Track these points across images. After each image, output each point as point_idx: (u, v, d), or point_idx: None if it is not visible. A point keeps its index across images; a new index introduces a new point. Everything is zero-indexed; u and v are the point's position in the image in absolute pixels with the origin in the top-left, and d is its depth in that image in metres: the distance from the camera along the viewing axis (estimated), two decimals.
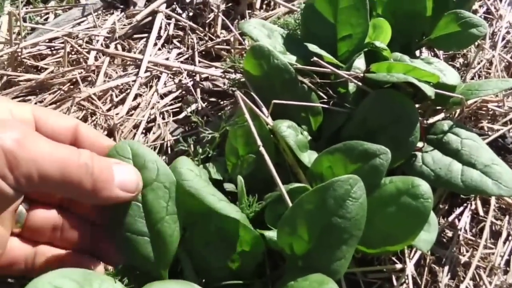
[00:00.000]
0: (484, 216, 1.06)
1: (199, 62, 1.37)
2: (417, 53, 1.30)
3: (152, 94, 1.27)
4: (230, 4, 1.55)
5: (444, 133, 1.02)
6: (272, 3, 1.57)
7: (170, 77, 1.33)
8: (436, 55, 1.40)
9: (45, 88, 1.30)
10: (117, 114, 1.21)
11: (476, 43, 1.38)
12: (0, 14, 1.54)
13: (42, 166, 0.62)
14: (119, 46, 1.44)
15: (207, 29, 1.47)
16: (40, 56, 1.42)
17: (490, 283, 0.96)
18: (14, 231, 0.74)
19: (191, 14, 1.51)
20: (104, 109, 1.23)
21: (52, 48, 1.43)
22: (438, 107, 1.11)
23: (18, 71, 1.36)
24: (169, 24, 1.48)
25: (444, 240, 1.03)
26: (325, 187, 0.74)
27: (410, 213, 0.82)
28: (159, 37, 1.45)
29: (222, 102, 1.25)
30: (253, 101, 0.98)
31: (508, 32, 1.47)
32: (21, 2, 1.47)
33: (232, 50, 1.39)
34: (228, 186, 0.93)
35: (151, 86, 1.30)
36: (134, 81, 1.30)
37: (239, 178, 0.87)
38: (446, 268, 0.98)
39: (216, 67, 1.34)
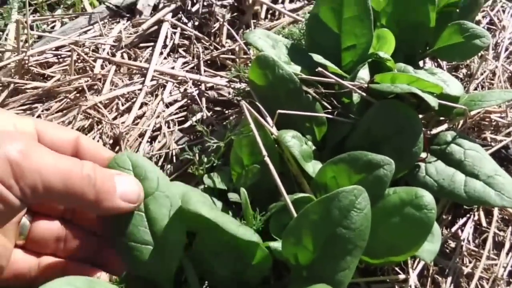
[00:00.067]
0: (487, 227, 1.06)
1: (205, 71, 1.38)
2: (421, 63, 1.31)
3: (158, 103, 1.28)
4: (235, 14, 1.56)
5: (448, 144, 1.02)
6: (277, 13, 1.59)
7: (175, 86, 1.34)
8: (439, 66, 1.40)
9: (51, 96, 1.32)
10: (123, 122, 1.22)
11: (479, 54, 1.38)
12: (7, 22, 1.55)
13: (46, 177, 0.63)
14: (125, 55, 1.45)
15: (212, 38, 1.48)
16: (47, 64, 1.43)
17: None
18: (17, 243, 0.74)
19: (196, 23, 1.53)
20: (110, 117, 1.24)
21: (59, 56, 1.44)
22: (441, 118, 1.12)
23: (25, 79, 1.37)
24: (175, 33, 1.50)
25: (447, 250, 1.04)
26: (330, 198, 0.75)
27: (414, 223, 0.82)
28: (165, 46, 1.46)
29: (227, 111, 1.26)
30: (258, 111, 0.99)
31: (511, 43, 1.48)
32: (29, 10, 1.48)
33: (237, 60, 1.40)
34: (232, 197, 0.93)
35: (156, 95, 1.31)
36: (140, 89, 1.31)
37: (243, 191, 0.87)
38: (449, 279, 0.98)
39: (221, 77, 1.35)
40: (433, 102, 0.95)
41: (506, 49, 1.45)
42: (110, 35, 1.50)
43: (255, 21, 1.55)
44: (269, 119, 0.99)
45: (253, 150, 0.94)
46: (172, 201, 0.77)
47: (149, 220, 0.77)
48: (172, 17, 1.54)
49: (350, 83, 1.03)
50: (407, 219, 0.82)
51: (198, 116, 1.24)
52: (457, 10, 1.28)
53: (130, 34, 1.50)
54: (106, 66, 1.40)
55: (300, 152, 0.94)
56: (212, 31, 1.50)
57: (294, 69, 1.07)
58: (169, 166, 1.14)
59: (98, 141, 1.20)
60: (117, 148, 1.18)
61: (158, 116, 1.24)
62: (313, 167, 0.95)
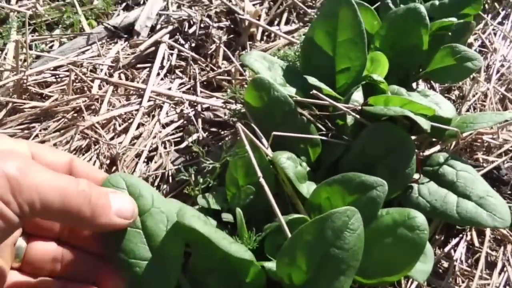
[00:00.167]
0: (480, 247, 1.08)
1: (201, 92, 1.39)
2: (414, 85, 1.33)
3: (155, 124, 1.29)
4: (231, 36, 1.58)
5: (440, 165, 1.04)
6: (272, 35, 1.61)
7: (172, 106, 1.35)
8: (432, 87, 1.43)
9: (49, 115, 1.33)
10: (120, 143, 1.23)
11: (472, 76, 1.41)
12: (6, 42, 1.57)
13: (44, 193, 0.63)
14: (122, 75, 1.47)
15: (208, 59, 1.50)
16: (45, 84, 1.44)
17: None
18: (13, 266, 0.74)
19: (193, 45, 1.55)
20: (107, 138, 1.25)
21: (57, 76, 1.46)
22: (434, 139, 1.14)
23: (23, 98, 1.38)
24: (171, 54, 1.52)
25: (440, 270, 1.05)
26: (324, 219, 0.76)
27: (407, 244, 0.83)
28: (162, 67, 1.48)
29: (222, 132, 1.28)
30: (253, 132, 1.00)
31: (502, 65, 1.51)
32: (28, 29, 1.50)
33: (233, 81, 1.42)
34: (226, 217, 0.94)
35: (153, 116, 1.33)
36: (137, 110, 1.33)
37: (238, 211, 0.88)
38: None
39: (217, 98, 1.37)
40: (426, 125, 0.97)
41: (498, 71, 1.48)
42: (108, 55, 1.52)
43: (251, 42, 1.57)
44: (264, 140, 1.00)
45: (248, 171, 0.95)
46: (168, 216, 0.78)
47: (147, 236, 0.78)
48: (169, 38, 1.56)
49: (344, 105, 1.05)
50: (400, 239, 0.84)
51: (194, 136, 1.25)
52: (449, 34, 1.31)
53: (128, 54, 1.52)
54: (103, 86, 1.42)
55: (295, 174, 0.95)
56: (209, 52, 1.52)
57: (289, 91, 1.09)
58: (165, 186, 1.16)
59: (95, 161, 1.21)
60: (114, 168, 1.19)
61: (154, 137, 1.26)
62: (307, 188, 0.96)
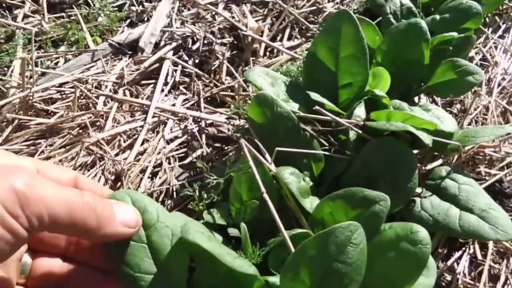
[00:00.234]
0: (483, 260, 1.08)
1: (204, 108, 1.41)
2: (416, 99, 1.34)
3: (159, 140, 1.31)
4: (235, 52, 1.60)
5: (442, 179, 1.04)
6: (275, 51, 1.63)
7: (176, 122, 1.37)
8: (434, 101, 1.43)
9: (55, 132, 1.34)
10: (124, 159, 1.25)
11: (473, 90, 1.41)
12: (12, 59, 1.58)
13: (51, 206, 0.64)
14: (127, 92, 1.48)
15: (212, 75, 1.52)
16: (50, 100, 1.46)
17: None
18: (19, 281, 0.75)
19: (197, 61, 1.56)
20: (112, 154, 1.26)
21: (62, 93, 1.47)
22: (436, 153, 1.14)
23: (29, 115, 1.40)
24: (175, 70, 1.53)
25: (443, 284, 1.05)
26: (327, 233, 0.77)
27: (409, 258, 0.83)
28: (166, 83, 1.50)
29: (226, 148, 1.29)
30: (257, 148, 1.01)
31: (503, 79, 1.51)
32: (34, 46, 1.52)
33: (237, 97, 1.43)
34: (232, 231, 0.95)
35: (157, 132, 1.34)
36: (142, 126, 1.34)
37: (243, 226, 0.89)
38: None
39: (221, 113, 1.38)
40: (427, 140, 0.98)
41: (499, 85, 1.49)
42: (113, 72, 1.53)
43: (254, 58, 1.58)
44: (267, 156, 1.02)
45: (252, 186, 0.96)
46: (174, 230, 0.79)
47: (152, 251, 0.78)
48: (173, 54, 1.58)
49: (347, 120, 1.06)
50: (403, 254, 0.84)
51: (198, 152, 1.26)
52: (450, 48, 1.32)
53: (132, 71, 1.54)
54: (108, 102, 1.43)
55: (298, 189, 0.96)
56: (212, 68, 1.54)
57: (292, 106, 1.10)
58: (169, 201, 1.17)
59: (100, 177, 1.22)
60: (119, 184, 1.20)
61: (159, 153, 1.27)
62: (310, 203, 0.97)
